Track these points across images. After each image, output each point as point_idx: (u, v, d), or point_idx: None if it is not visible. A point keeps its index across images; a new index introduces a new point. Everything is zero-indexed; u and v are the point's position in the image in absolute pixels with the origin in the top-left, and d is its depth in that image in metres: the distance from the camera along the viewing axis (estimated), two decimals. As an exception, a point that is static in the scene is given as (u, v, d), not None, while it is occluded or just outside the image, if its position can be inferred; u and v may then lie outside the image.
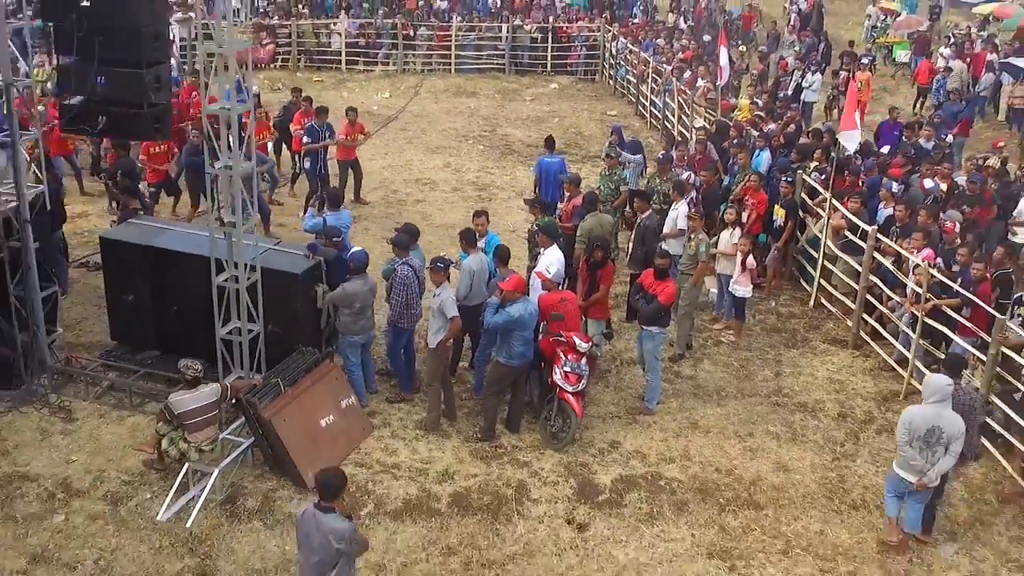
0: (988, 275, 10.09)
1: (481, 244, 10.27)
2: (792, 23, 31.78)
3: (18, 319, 9.49)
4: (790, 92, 21.26)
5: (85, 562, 7.67)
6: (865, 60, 23.10)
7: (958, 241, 11.00)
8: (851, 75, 21.52)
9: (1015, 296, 10.04)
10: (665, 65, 20.04)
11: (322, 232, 10.15)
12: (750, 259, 11.32)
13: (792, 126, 15.50)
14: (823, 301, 12.45)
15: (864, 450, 9.56)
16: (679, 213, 11.79)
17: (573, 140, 19.69)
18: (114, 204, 13.18)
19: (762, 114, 16.07)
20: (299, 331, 9.43)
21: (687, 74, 19.53)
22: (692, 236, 11.00)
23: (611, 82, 24.42)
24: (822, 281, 12.35)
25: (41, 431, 9.22)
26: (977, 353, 9.65)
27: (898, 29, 28.45)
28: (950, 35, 28.41)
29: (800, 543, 8.20)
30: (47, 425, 9.31)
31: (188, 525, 7.96)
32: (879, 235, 11.07)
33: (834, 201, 11.92)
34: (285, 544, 7.80)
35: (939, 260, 10.68)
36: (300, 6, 27.77)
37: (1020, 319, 9.78)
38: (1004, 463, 9.13)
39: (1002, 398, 9.26)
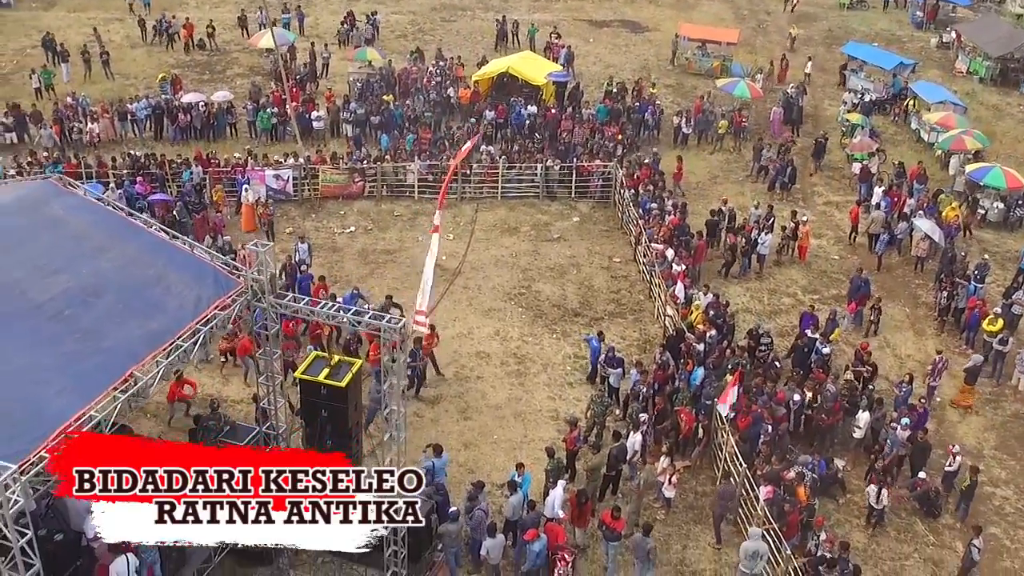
0: (798, 510, 18.44)
1: (519, 480, 18.78)
2: (773, 117, 38.91)
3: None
4: (749, 247, 29.09)
5: None
6: (804, 217, 30.64)
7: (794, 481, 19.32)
8: (797, 228, 29.50)
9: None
10: (655, 244, 27.74)
11: (431, 479, 18.55)
12: (674, 478, 19.72)
13: (725, 342, 23.57)
14: (723, 487, 20.79)
15: (722, 598, 18.15)
16: (635, 441, 20.09)
17: (585, 298, 27.79)
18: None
19: (702, 326, 23.94)
20: (425, 541, 18.04)
21: (670, 253, 27.19)
22: (641, 469, 19.41)
23: (619, 213, 32.19)
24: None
25: None
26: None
27: (853, 151, 35.42)
28: (886, 173, 34.92)
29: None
30: None
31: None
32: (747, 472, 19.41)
33: (731, 438, 20.18)
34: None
35: (779, 491, 18.97)
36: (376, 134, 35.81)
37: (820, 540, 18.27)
38: None
39: None
